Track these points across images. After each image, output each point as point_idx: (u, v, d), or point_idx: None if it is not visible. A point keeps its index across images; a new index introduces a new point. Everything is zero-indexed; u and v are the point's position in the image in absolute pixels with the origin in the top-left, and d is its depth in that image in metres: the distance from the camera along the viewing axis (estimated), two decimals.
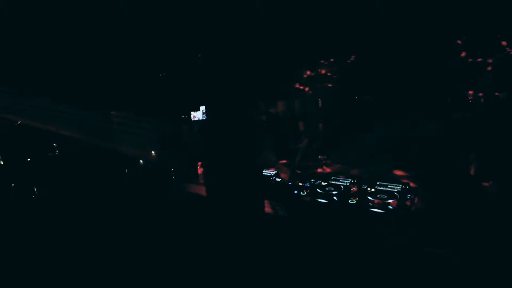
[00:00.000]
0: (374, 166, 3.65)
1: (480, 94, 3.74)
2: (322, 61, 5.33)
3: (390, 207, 2.50)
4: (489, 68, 3.70)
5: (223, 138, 2.74)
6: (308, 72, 5.46)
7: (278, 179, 3.33)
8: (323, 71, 5.40)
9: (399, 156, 3.80)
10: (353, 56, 5.03)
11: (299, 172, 3.72)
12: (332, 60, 5.29)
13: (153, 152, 5.73)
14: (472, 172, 3.45)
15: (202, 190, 3.57)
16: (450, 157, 3.53)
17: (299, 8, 4.56)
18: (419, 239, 2.28)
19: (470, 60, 3.89)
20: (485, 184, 2.74)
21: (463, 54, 3.89)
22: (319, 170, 3.92)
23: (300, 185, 3.10)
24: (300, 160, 4.57)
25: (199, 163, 3.73)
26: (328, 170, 3.96)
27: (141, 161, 5.77)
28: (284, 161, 4.40)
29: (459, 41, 3.92)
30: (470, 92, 3.87)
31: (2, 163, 5.52)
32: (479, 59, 3.92)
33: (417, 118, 3.98)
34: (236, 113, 2.79)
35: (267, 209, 2.87)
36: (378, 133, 4.07)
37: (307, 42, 4.92)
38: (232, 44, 4.48)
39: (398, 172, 3.30)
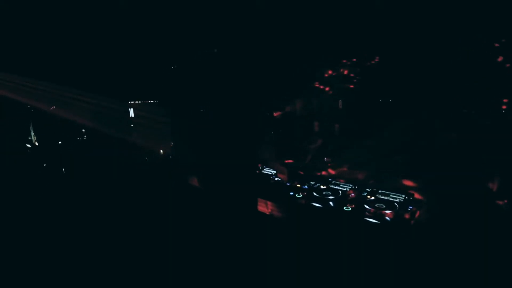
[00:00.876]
0: (382, 172, 3.45)
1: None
2: (344, 61, 5.13)
3: (387, 218, 2.34)
4: None
5: (220, 133, 2.71)
6: (330, 72, 5.28)
7: (277, 179, 3.26)
8: (345, 72, 5.20)
9: (411, 164, 3.56)
10: (377, 57, 4.78)
11: (302, 173, 3.62)
12: (354, 60, 5.07)
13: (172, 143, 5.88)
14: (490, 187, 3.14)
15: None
16: (465, 169, 3.23)
17: (322, 7, 4.41)
18: (411, 255, 2.12)
19: (507, 65, 3.52)
20: (500, 202, 2.46)
21: (500, 58, 3.53)
22: (324, 172, 3.78)
23: (298, 186, 3.01)
24: (309, 161, 4.44)
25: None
26: (333, 173, 3.81)
27: (161, 151, 5.97)
28: (290, 160, 4.31)
29: (496, 44, 3.57)
30: (505, 101, 3.52)
31: (37, 144, 5.99)
32: None
33: (438, 125, 3.70)
34: (240, 110, 2.76)
35: (262, 207, 2.82)
36: (393, 138, 3.83)
37: (330, 40, 4.76)
38: (250, 39, 4.45)
39: (407, 182, 3.09)
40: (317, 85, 5.41)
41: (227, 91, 4.87)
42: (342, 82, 5.16)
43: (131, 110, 5.82)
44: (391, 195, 2.67)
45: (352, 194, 2.74)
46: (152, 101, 6.02)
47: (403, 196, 2.64)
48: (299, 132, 5.22)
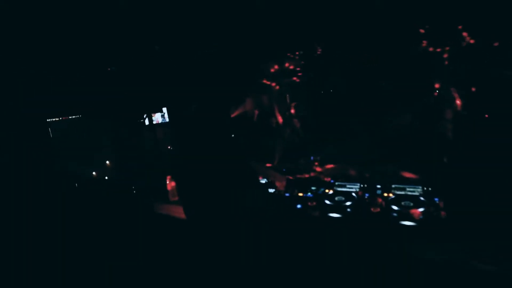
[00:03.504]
0: (374, 165, 3.20)
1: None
2: (288, 54, 4.85)
3: (420, 216, 2.00)
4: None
5: (195, 143, 2.04)
6: (276, 67, 4.96)
7: (271, 190, 2.69)
8: (290, 66, 4.91)
9: (397, 154, 3.41)
10: (319, 49, 4.62)
11: (291, 178, 3.13)
12: (297, 53, 4.82)
13: (107, 162, 4.74)
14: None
15: (173, 211, 2.81)
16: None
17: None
18: (463, 252, 1.81)
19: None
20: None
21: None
22: (312, 174, 3.37)
23: (300, 196, 2.50)
24: (279, 160, 4.01)
25: (168, 177, 2.93)
26: (321, 172, 3.43)
27: (93, 173, 4.74)
28: (268, 164, 3.78)
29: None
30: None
31: None
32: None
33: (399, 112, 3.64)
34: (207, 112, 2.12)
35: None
36: (368, 129, 3.66)
37: (272, 33, 4.37)
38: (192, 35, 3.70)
39: (407, 174, 2.88)
40: (265, 81, 5.04)
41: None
42: (288, 77, 4.89)
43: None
44: (407, 189, 2.38)
45: (368, 195, 2.35)
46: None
47: (420, 187, 2.37)
48: (264, 133, 4.74)
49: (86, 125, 4.67)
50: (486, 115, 3.27)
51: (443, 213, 1.99)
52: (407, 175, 2.88)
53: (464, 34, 3.56)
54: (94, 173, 4.69)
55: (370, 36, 3.80)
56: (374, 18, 3.58)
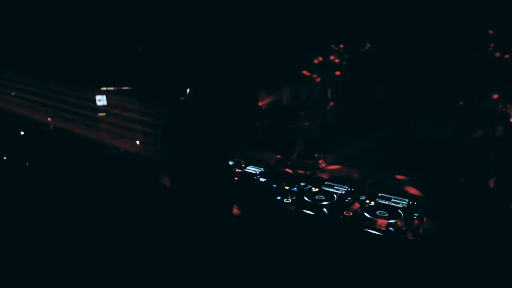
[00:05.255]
0: (380, 172, 3.12)
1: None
2: (333, 47, 4.74)
3: (391, 228, 1.98)
4: None
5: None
6: (321, 58, 4.89)
7: (262, 179, 2.85)
8: (335, 59, 4.82)
9: (409, 162, 3.25)
10: (368, 44, 4.41)
11: (290, 171, 3.23)
12: (342, 46, 4.68)
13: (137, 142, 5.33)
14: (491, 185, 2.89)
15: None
16: (468, 168, 2.96)
17: None
18: (430, 275, 1.78)
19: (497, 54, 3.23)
20: None
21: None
22: (314, 170, 3.41)
23: (286, 189, 2.61)
24: (298, 151, 4.07)
25: None
26: (323, 171, 3.45)
27: (137, 142, 5.41)
28: (279, 156, 3.90)
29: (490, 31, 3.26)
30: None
31: None
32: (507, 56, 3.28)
33: (434, 119, 3.40)
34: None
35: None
36: (387, 133, 3.51)
37: (317, 24, 4.30)
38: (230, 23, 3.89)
39: (410, 189, 2.76)
40: (305, 73, 5.02)
41: (207, 77, 4.37)
42: (331, 70, 4.79)
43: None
44: (392, 200, 2.32)
45: (349, 199, 2.36)
46: (125, 88, 5.44)
47: (407, 200, 2.29)
48: (287, 125, 4.82)
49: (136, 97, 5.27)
50: None
51: (416, 228, 1.94)
52: (410, 189, 2.78)
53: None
54: (137, 142, 5.34)
55: (425, 37, 3.57)
56: (434, 18, 3.35)
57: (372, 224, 1.99)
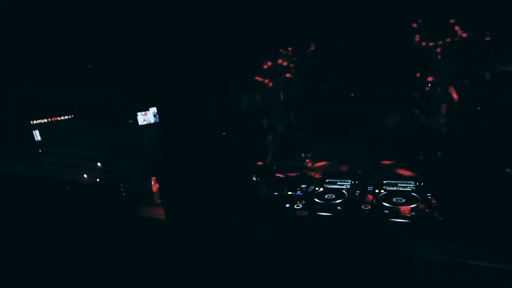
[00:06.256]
0: (364, 161, 3.13)
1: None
2: (281, 50, 4.76)
3: (413, 213, 1.92)
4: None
5: (184, 145, 1.95)
6: (270, 63, 4.87)
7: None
8: (284, 63, 4.82)
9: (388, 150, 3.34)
10: (313, 45, 4.53)
11: (282, 176, 3.05)
12: (290, 49, 4.73)
13: (98, 164, 4.62)
14: None
15: (158, 213, 2.71)
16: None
17: None
18: (461, 250, 1.74)
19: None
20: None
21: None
22: (305, 170, 3.28)
23: (290, 194, 2.42)
24: (272, 159, 3.93)
25: (153, 179, 2.83)
26: (313, 169, 3.35)
27: (85, 175, 4.63)
28: (260, 162, 3.70)
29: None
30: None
31: None
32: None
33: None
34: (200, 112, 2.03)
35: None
36: (359, 127, 3.58)
37: (265, 29, 4.26)
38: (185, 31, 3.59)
39: (400, 170, 2.80)
40: (258, 78, 4.96)
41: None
42: (281, 73, 4.80)
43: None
44: (399, 185, 2.30)
45: (359, 192, 2.27)
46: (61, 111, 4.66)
47: (413, 183, 2.29)
48: (257, 130, 4.65)
49: (76, 127, 4.55)
50: (478, 108, 3.21)
51: (436, 208, 1.91)
52: (400, 171, 2.81)
53: (456, 28, 3.49)
54: (85, 175, 4.58)
55: (363, 31, 3.71)
56: (367, 13, 3.48)
57: (396, 213, 1.90)
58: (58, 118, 4.67)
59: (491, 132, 2.73)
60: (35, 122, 4.38)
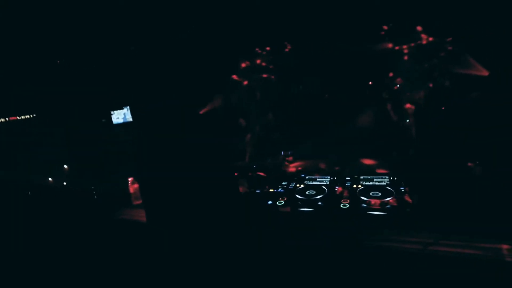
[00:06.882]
0: (341, 158, 3.25)
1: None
2: (257, 50, 4.80)
3: (388, 206, 2.03)
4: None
5: (167, 144, 1.91)
6: (248, 62, 4.89)
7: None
8: (259, 62, 4.87)
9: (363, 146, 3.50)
10: (289, 45, 4.63)
11: (263, 174, 3.07)
12: (268, 48, 4.78)
13: (65, 166, 4.35)
14: None
15: (137, 215, 2.61)
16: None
17: None
18: (434, 239, 1.86)
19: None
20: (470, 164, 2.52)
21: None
22: (285, 168, 3.34)
23: (271, 191, 2.44)
24: (251, 159, 3.96)
25: (130, 179, 2.73)
26: (293, 167, 3.42)
27: (49, 179, 4.33)
28: (239, 162, 3.70)
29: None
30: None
31: None
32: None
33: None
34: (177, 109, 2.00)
35: None
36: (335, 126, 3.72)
37: (241, 28, 4.28)
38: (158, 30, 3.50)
39: (368, 161, 2.94)
40: (234, 78, 4.96)
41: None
42: (258, 73, 4.85)
43: None
44: (375, 180, 2.42)
45: (339, 188, 2.35)
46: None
47: (387, 177, 2.42)
48: (233, 130, 4.64)
49: (39, 126, 4.26)
50: (443, 107, 3.45)
51: (409, 200, 2.03)
52: (375, 167, 2.95)
53: (422, 33, 3.73)
54: (50, 179, 4.28)
55: (335, 34, 3.84)
56: (340, 16, 3.61)
57: (371, 206, 2.00)
58: (18, 118, 4.37)
59: (455, 130, 2.96)
60: None
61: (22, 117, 4.43)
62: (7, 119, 4.32)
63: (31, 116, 4.44)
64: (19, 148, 4.11)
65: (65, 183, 4.13)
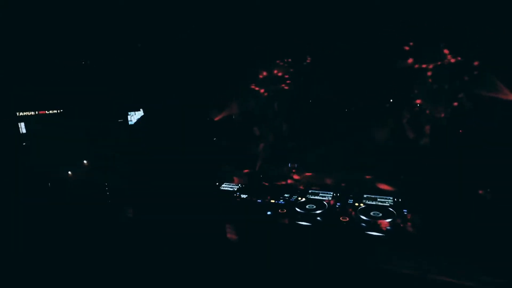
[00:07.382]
0: (350, 174, 3.21)
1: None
2: (278, 61, 4.86)
3: (388, 227, 1.99)
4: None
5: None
6: (265, 73, 4.96)
7: (243, 196, 2.64)
8: (279, 73, 4.92)
9: (375, 163, 3.43)
10: (309, 58, 4.65)
11: (266, 184, 3.09)
12: (288, 60, 4.83)
13: (84, 161, 4.57)
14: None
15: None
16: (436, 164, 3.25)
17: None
18: (430, 266, 1.80)
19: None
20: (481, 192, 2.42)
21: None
22: (290, 181, 3.34)
23: (272, 202, 2.46)
24: (260, 167, 3.97)
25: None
26: (297, 180, 3.41)
27: (69, 172, 4.57)
28: (246, 170, 3.74)
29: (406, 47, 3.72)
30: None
31: None
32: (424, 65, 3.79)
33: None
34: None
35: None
36: (347, 139, 3.68)
37: (262, 38, 4.36)
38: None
39: (382, 186, 2.88)
40: (253, 87, 5.04)
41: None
42: (276, 84, 4.89)
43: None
44: (378, 199, 2.37)
45: (338, 204, 2.33)
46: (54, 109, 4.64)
47: (391, 198, 2.37)
48: (247, 138, 4.70)
49: (64, 122, 4.50)
50: (461, 131, 3.34)
51: (409, 224, 1.99)
52: (381, 186, 2.89)
53: (446, 51, 3.65)
54: (69, 172, 4.51)
55: (358, 48, 3.83)
56: (363, 31, 3.60)
57: (375, 226, 1.97)
58: (46, 112, 4.63)
59: (469, 156, 2.85)
60: (21, 114, 4.34)
61: (50, 111, 4.70)
62: (36, 112, 4.59)
63: (58, 111, 4.69)
64: (44, 140, 4.37)
65: (84, 177, 4.33)
